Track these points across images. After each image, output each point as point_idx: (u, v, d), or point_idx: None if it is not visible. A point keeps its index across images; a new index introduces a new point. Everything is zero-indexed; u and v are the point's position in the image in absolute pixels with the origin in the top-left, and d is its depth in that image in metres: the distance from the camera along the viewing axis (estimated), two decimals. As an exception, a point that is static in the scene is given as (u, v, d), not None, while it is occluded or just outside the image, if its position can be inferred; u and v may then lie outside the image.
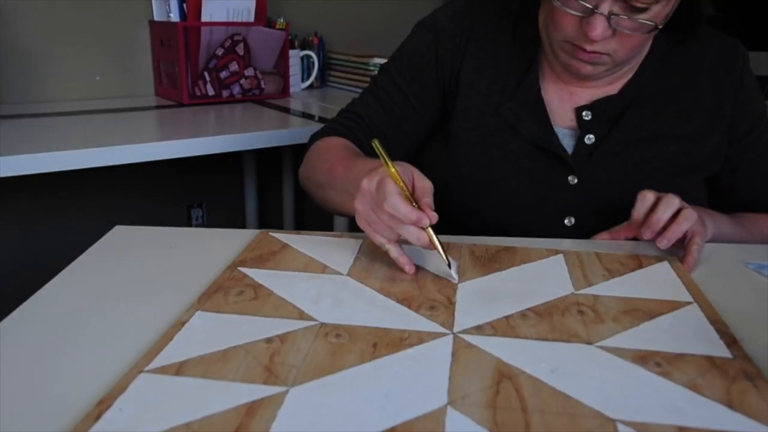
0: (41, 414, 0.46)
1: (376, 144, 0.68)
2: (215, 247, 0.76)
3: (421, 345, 0.55)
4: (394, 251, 0.69)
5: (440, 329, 0.58)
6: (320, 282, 0.68)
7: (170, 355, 0.53)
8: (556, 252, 0.76)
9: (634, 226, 0.77)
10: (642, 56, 0.89)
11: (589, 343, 0.57)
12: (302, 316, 0.60)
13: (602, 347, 0.56)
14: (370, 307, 0.62)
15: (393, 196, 0.64)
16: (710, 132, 0.89)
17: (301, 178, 0.94)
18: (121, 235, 0.81)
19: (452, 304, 0.63)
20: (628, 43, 0.79)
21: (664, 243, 0.74)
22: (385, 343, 0.55)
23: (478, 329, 0.58)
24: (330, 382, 0.50)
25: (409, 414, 0.46)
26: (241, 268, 0.70)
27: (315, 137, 0.95)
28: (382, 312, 0.61)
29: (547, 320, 0.60)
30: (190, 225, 2.03)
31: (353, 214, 0.72)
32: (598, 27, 0.75)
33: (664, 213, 0.74)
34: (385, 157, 0.67)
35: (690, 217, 0.74)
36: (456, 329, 0.58)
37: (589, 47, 0.78)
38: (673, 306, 0.64)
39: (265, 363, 0.52)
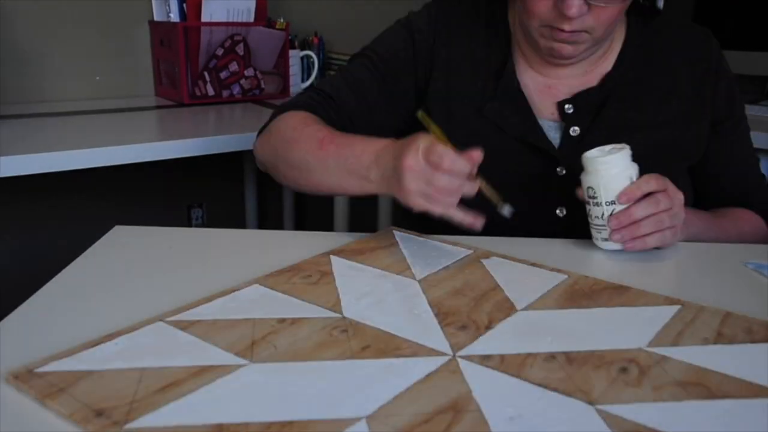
0: (41, 414, 0.46)
1: (422, 114, 0.70)
2: (216, 246, 0.76)
3: (408, 358, 0.53)
4: (459, 215, 0.70)
5: (443, 349, 0.54)
6: (384, 281, 0.67)
7: (196, 313, 0.58)
8: (676, 302, 0.64)
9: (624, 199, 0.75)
10: (620, 43, 0.91)
11: (591, 403, 0.47)
12: (333, 306, 0.61)
13: (601, 411, 0.46)
14: (402, 314, 0.60)
15: (450, 154, 0.65)
16: (691, 118, 0.91)
17: (263, 152, 0.90)
18: (121, 235, 0.81)
19: (488, 328, 0.58)
20: (605, 16, 0.80)
21: (614, 223, 0.74)
22: (377, 348, 0.54)
23: (485, 359, 0.53)
24: (291, 368, 0.51)
25: (316, 414, 0.45)
26: (332, 256, 0.72)
27: (282, 109, 0.91)
28: (407, 320, 0.59)
29: (573, 368, 0.52)
30: (190, 225, 2.03)
31: (350, 192, 0.78)
32: (575, 4, 0.77)
33: (641, 213, 0.73)
34: (432, 125, 0.69)
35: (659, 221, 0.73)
36: (461, 353, 0.54)
37: (567, 27, 0.80)
38: (758, 392, 0.49)
39: (257, 338, 0.54)
